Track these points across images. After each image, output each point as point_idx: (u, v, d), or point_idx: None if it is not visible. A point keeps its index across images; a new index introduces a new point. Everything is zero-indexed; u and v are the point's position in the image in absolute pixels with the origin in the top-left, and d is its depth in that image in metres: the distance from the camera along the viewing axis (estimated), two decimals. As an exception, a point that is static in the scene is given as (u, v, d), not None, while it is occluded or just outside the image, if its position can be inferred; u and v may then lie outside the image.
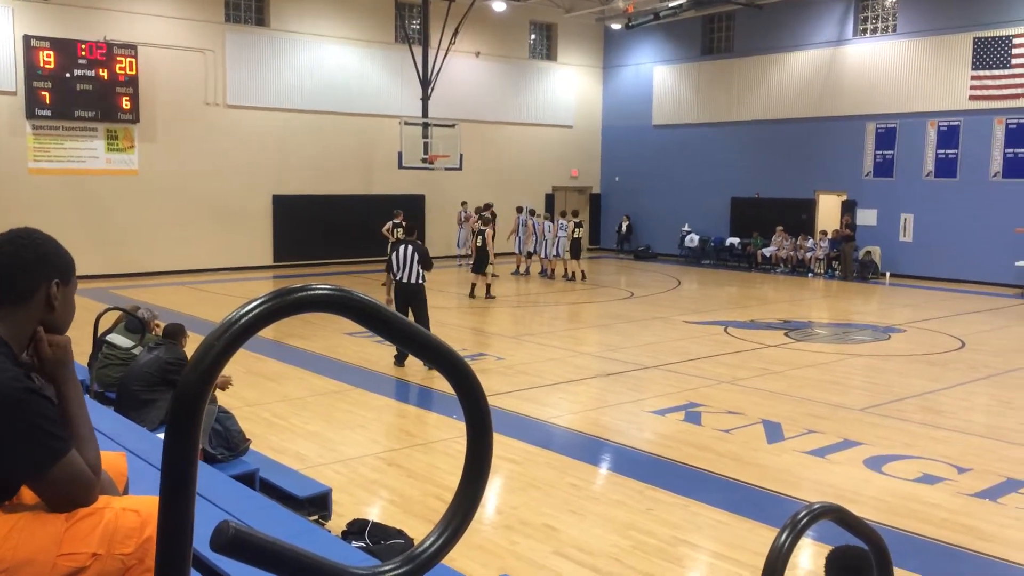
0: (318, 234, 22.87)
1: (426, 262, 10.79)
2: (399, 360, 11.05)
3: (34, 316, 2.09)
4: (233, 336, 1.04)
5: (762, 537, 5.49)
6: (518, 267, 22.08)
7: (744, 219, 25.10)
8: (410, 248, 10.82)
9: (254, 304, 1.07)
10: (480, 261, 17.43)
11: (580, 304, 17.15)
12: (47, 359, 2.11)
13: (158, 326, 7.32)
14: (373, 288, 18.43)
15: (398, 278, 10.86)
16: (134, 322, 6.94)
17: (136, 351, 6.84)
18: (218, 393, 6.43)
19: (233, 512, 3.23)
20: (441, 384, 9.46)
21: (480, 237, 17.44)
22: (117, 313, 7.52)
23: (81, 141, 19.61)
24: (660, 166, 27.19)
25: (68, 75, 19.02)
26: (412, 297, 10.85)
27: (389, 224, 19.92)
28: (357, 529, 5.23)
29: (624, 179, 28.52)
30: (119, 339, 7.02)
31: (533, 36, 27.81)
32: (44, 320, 2.11)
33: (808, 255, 22.95)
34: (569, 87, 28.35)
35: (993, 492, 6.55)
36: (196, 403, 1.02)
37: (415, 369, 10.67)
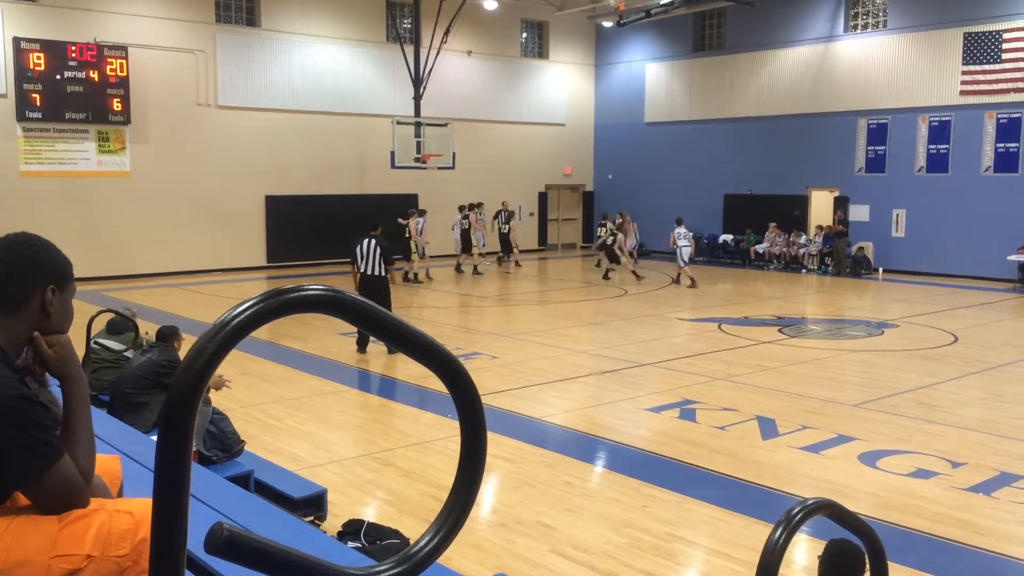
0: (311, 234, 22.83)
1: (388, 257, 11.54)
2: (361, 346, 11.59)
3: (30, 322, 2.08)
4: (226, 337, 1.04)
5: (757, 533, 5.50)
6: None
7: (737, 216, 25.14)
8: (373, 242, 11.52)
9: (247, 305, 1.07)
10: (612, 256, 20.48)
11: (574, 302, 17.16)
12: (51, 359, 2.11)
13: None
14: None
15: (361, 271, 11.51)
16: (115, 324, 6.90)
17: (128, 354, 6.82)
18: (212, 394, 6.42)
19: (228, 514, 3.22)
20: (435, 383, 9.45)
21: (613, 238, 20.45)
22: (110, 315, 7.49)
23: (72, 143, 19.55)
24: (653, 163, 27.22)
25: (59, 77, 18.95)
26: (375, 288, 11.47)
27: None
28: (353, 529, 5.22)
29: (617, 177, 28.53)
30: (108, 342, 6.99)
31: (525, 34, 27.80)
32: (41, 326, 2.10)
33: (802, 251, 23.00)
34: (561, 85, 28.35)
35: (987, 486, 6.58)
36: (189, 405, 1.02)
37: (410, 369, 10.65)
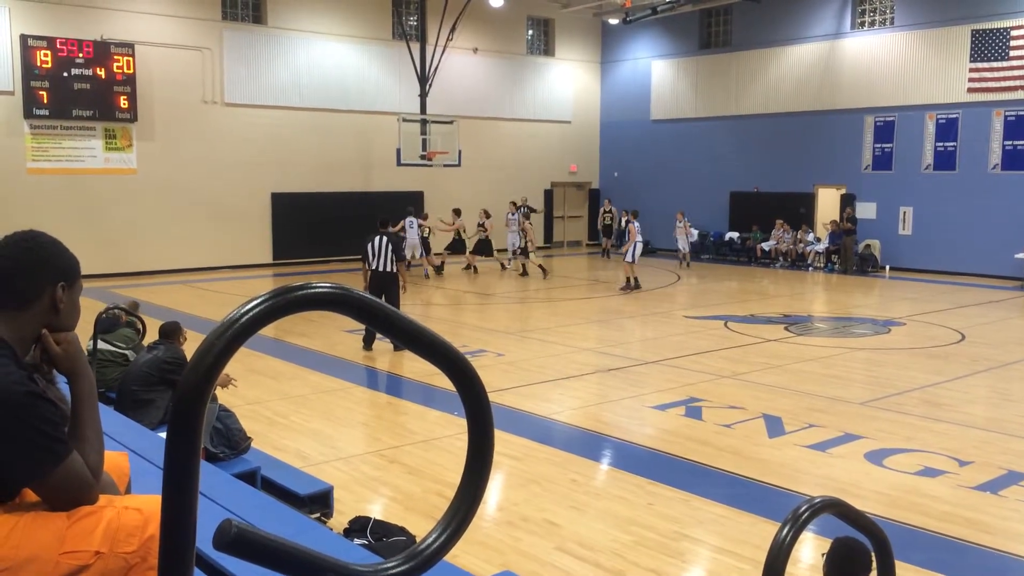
0: (317, 232, 22.86)
1: (399, 253, 11.80)
2: (367, 344, 11.72)
3: (39, 319, 2.09)
4: (234, 335, 1.04)
5: (763, 531, 5.49)
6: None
7: (743, 213, 25.10)
8: (384, 239, 11.69)
9: (255, 303, 1.07)
10: None
11: (579, 300, 17.15)
12: (58, 356, 2.12)
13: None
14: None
15: (373, 267, 11.63)
16: (104, 322, 6.90)
17: (127, 352, 6.83)
18: (219, 391, 6.44)
19: (235, 510, 3.23)
20: (442, 381, 9.46)
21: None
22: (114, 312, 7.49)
23: (79, 140, 19.60)
24: (659, 161, 27.18)
25: (65, 74, 19.00)
26: (386, 284, 11.62)
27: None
28: (359, 527, 5.23)
29: (623, 174, 28.50)
30: (106, 339, 6.98)
31: (530, 31, 27.78)
32: (50, 323, 2.11)
33: (809, 249, 22.94)
34: (567, 82, 28.32)
35: (994, 485, 6.56)
36: (198, 402, 1.02)
37: (416, 366, 10.66)
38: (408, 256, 20.26)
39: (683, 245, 23.12)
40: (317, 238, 22.92)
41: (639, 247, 18.10)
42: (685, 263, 22.95)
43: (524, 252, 21.10)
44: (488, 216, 21.45)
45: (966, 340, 12.61)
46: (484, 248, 21.42)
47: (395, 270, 11.69)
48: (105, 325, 6.93)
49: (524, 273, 20.98)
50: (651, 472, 6.78)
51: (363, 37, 23.73)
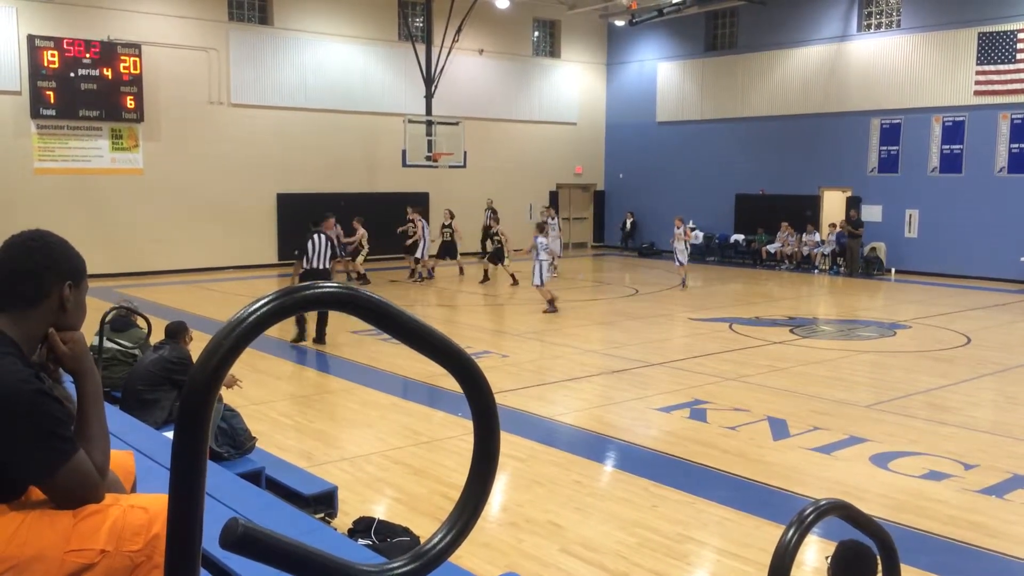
0: (322, 232, 22.84)
1: (335, 252, 12.61)
2: (299, 337, 12.19)
3: (46, 318, 2.10)
4: (241, 335, 1.04)
5: (768, 534, 5.48)
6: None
7: (749, 215, 25.06)
8: (323, 237, 12.19)
9: (261, 303, 1.07)
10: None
11: (585, 302, 17.13)
12: (64, 355, 2.13)
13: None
14: (380, 285, 18.47)
15: (313, 265, 12.06)
16: (118, 322, 6.91)
17: (136, 351, 6.85)
18: (224, 391, 6.44)
19: (239, 510, 3.24)
20: (447, 382, 9.46)
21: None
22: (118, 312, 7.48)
23: (86, 140, 19.65)
24: (664, 163, 27.17)
25: (72, 74, 19.05)
26: (320, 280, 11.90)
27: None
28: (363, 527, 5.24)
29: (628, 176, 28.49)
30: (117, 339, 6.99)
31: (536, 33, 27.79)
32: (56, 322, 2.12)
33: (815, 251, 22.90)
34: (573, 84, 28.32)
35: (1000, 488, 6.54)
36: (205, 401, 1.03)
37: (421, 367, 10.66)
38: (423, 256, 20.06)
39: (682, 257, 18.82)
40: (322, 239, 22.88)
41: (545, 265, 15.35)
42: (681, 282, 18.77)
43: (499, 257, 19.38)
44: (453, 216, 20.41)
45: (972, 343, 12.58)
46: (449, 251, 20.30)
47: (329, 267, 12.27)
48: (118, 324, 6.95)
49: (486, 279, 19.70)
50: (655, 474, 6.78)
51: (369, 38, 23.76)
